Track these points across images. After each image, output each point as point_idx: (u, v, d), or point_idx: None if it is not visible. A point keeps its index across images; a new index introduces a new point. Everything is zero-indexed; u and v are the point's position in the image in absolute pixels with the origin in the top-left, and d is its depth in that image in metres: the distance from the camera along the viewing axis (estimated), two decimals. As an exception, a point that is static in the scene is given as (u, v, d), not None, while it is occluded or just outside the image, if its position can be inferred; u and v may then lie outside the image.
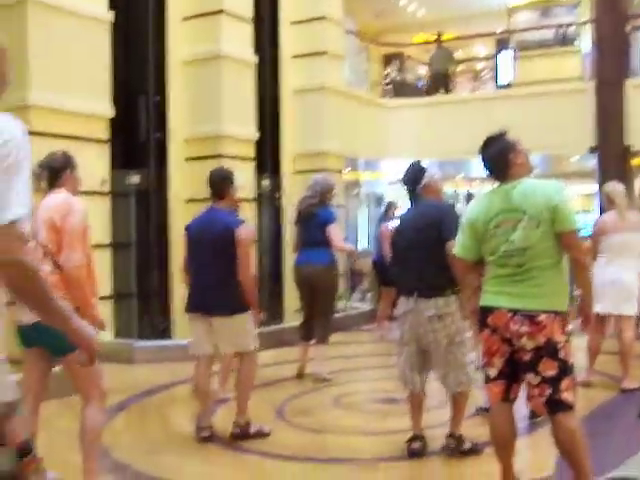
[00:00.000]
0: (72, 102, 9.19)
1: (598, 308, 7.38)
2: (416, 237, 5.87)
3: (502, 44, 18.29)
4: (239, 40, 12.27)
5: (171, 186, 11.83)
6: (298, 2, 14.51)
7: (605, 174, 13.97)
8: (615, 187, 8.11)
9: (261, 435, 6.54)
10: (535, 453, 6.18)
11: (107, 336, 9.46)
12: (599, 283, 7.24)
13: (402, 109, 17.42)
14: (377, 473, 5.74)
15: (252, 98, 12.61)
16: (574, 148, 15.96)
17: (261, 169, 13.12)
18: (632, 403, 6.92)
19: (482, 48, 22.01)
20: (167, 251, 11.42)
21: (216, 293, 6.38)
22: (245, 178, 11.19)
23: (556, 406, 4.47)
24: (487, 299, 4.70)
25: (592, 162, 15.69)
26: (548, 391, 4.46)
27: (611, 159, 14.80)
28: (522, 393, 4.71)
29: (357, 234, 17.17)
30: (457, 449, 5.85)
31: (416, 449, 5.89)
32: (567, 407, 4.47)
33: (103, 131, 9.84)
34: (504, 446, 4.78)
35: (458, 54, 21.82)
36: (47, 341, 4.85)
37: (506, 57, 17.77)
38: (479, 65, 21.71)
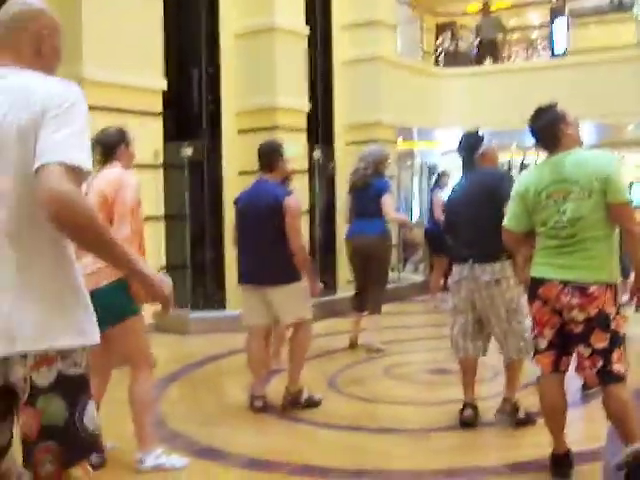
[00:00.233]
0: (125, 76, 9.27)
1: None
2: (471, 204, 5.85)
3: (556, 12, 18.00)
4: (291, 12, 12.25)
5: (224, 158, 11.89)
6: (350, -28, 14.45)
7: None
8: None
9: (312, 403, 6.59)
10: (587, 424, 6.17)
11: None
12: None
13: (455, 78, 17.29)
14: (428, 443, 5.74)
15: (304, 69, 12.59)
16: (630, 116, 15.73)
17: (313, 140, 13.12)
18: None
19: (536, 16, 21.67)
20: (220, 222, 11.50)
21: (268, 264, 6.41)
22: (297, 150, 11.21)
23: (608, 377, 4.45)
24: (538, 270, 4.68)
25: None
26: (599, 363, 4.44)
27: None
28: (573, 365, 4.70)
29: (411, 204, 17.10)
30: (512, 416, 5.85)
31: (468, 417, 5.89)
32: (619, 378, 4.45)
33: (156, 104, 9.92)
34: (554, 417, 4.77)
35: (512, 22, 21.56)
36: (97, 312, 4.92)
37: (561, 25, 17.49)
38: (533, 34, 21.40)
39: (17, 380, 2.51)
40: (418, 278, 15.07)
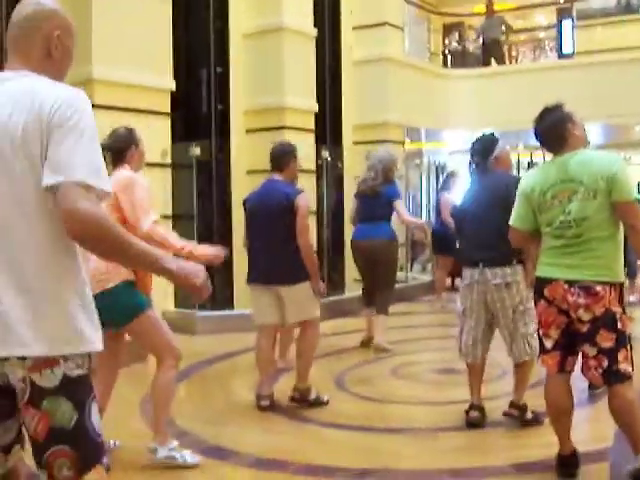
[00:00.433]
0: (134, 76, 9.29)
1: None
2: (483, 208, 5.84)
3: (564, 13, 18.00)
4: (300, 12, 12.27)
5: (232, 157, 11.92)
6: (358, -27, 14.48)
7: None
8: None
9: (319, 403, 6.64)
10: (594, 424, 6.17)
11: (169, 306, 9.65)
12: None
13: (462, 79, 17.31)
14: (435, 442, 5.76)
15: (313, 70, 12.61)
16: (638, 117, 15.69)
17: (321, 140, 13.14)
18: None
19: (543, 18, 21.65)
20: (229, 222, 11.51)
21: (278, 263, 6.45)
22: (305, 149, 11.23)
23: (613, 377, 4.46)
24: (543, 270, 4.70)
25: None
26: (605, 362, 4.45)
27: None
28: (579, 364, 4.71)
29: (419, 204, 17.09)
30: (520, 418, 5.86)
31: (474, 418, 5.91)
32: (624, 378, 4.46)
33: (165, 104, 9.93)
34: (560, 417, 4.78)
35: (519, 23, 21.55)
36: (106, 314, 4.97)
37: (568, 26, 17.49)
38: (541, 34, 21.38)
39: (16, 381, 2.53)
40: (425, 278, 15.08)
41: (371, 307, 9.12)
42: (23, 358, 2.49)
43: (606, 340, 4.43)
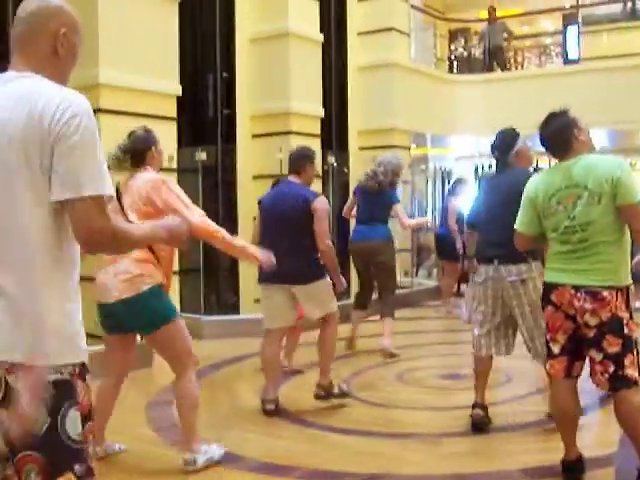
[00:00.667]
0: (141, 80, 9.30)
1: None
2: (500, 204, 5.77)
3: (570, 19, 17.99)
4: (306, 18, 12.29)
5: (238, 162, 11.94)
6: (364, -22, 14.52)
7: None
8: None
9: (344, 394, 6.82)
10: (600, 429, 6.16)
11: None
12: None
13: (468, 85, 17.30)
14: (440, 448, 5.75)
15: (319, 75, 12.64)
16: (644, 123, 15.70)
17: (327, 146, 13.15)
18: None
19: (549, 24, 21.64)
20: (234, 227, 11.52)
21: (295, 263, 6.48)
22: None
23: (619, 382, 4.45)
24: (550, 276, 4.70)
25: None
26: (611, 368, 4.44)
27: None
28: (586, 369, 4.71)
29: (425, 209, 17.10)
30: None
31: (478, 417, 5.89)
32: (631, 383, 4.44)
33: (171, 109, 9.94)
34: (565, 422, 4.78)
35: (525, 29, 21.56)
36: (131, 320, 4.99)
37: (574, 32, 17.48)
38: (547, 40, 21.37)
39: None
40: (431, 283, 15.08)
41: (361, 310, 9.17)
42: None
43: (612, 345, 4.42)
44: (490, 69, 18.32)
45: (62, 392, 2.50)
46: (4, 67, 2.69)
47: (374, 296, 9.32)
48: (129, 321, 5.03)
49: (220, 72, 11.88)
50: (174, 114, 9.94)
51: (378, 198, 8.87)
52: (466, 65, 19.77)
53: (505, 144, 6.06)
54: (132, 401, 6.02)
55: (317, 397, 6.72)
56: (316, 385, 6.75)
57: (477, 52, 19.66)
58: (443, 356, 9.17)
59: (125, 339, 5.26)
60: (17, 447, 2.45)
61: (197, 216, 5.06)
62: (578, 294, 4.48)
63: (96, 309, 5.11)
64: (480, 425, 5.90)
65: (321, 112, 12.60)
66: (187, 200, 5.10)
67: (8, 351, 2.44)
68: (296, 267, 6.48)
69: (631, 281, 4.59)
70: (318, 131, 12.51)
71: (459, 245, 11.72)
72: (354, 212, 9.44)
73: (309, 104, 12.24)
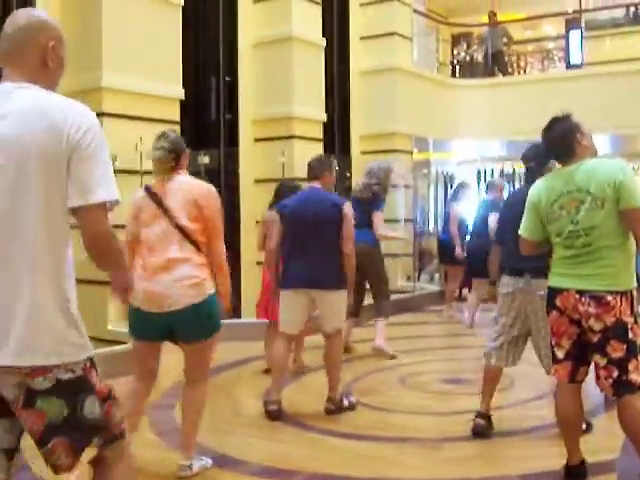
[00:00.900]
0: (143, 84, 9.31)
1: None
2: None
3: (572, 24, 17.99)
4: (309, 22, 12.32)
5: (241, 166, 11.95)
6: (367, -17, 14.54)
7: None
8: None
9: (353, 407, 6.80)
10: (603, 434, 6.14)
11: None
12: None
13: (471, 89, 17.32)
14: (441, 452, 5.73)
15: (321, 79, 12.65)
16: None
17: (330, 150, 13.15)
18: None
19: (551, 28, 21.62)
20: (237, 231, 11.53)
21: (323, 267, 6.52)
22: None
23: (623, 387, 4.44)
24: (554, 280, 4.69)
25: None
26: (615, 373, 4.43)
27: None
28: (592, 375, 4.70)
29: (427, 214, 17.08)
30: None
31: (479, 426, 5.86)
32: (634, 388, 4.43)
33: (174, 112, 9.96)
34: (569, 427, 4.77)
35: (527, 34, 21.55)
36: (190, 328, 4.92)
37: (576, 37, 17.48)
38: (549, 45, 21.36)
39: (7, 386, 2.73)
40: (433, 288, 15.06)
41: (354, 317, 9.15)
42: (19, 367, 2.70)
43: (616, 350, 4.41)
44: (491, 74, 18.31)
45: (76, 387, 2.79)
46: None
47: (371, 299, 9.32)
48: (185, 328, 4.91)
49: (223, 76, 11.90)
50: (177, 118, 9.95)
51: (366, 207, 8.93)
52: (468, 70, 19.76)
53: (540, 157, 5.98)
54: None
55: (328, 412, 6.69)
56: (326, 399, 6.73)
57: (479, 57, 19.67)
58: (445, 360, 9.16)
59: (155, 346, 5.18)
60: (43, 439, 2.76)
61: (221, 247, 5.05)
62: (582, 299, 4.47)
63: (133, 317, 5.01)
64: (480, 433, 5.89)
65: (323, 116, 12.61)
66: (220, 225, 5.05)
67: (28, 356, 2.68)
68: (323, 271, 6.52)
69: (636, 285, 4.58)
70: (320, 135, 12.53)
71: (459, 250, 11.74)
72: None
73: (311, 108, 12.25)
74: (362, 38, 14.86)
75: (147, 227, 4.95)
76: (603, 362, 4.47)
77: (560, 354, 4.69)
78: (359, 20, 14.75)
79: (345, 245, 6.57)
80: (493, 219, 10.41)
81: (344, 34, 14.34)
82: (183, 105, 10.20)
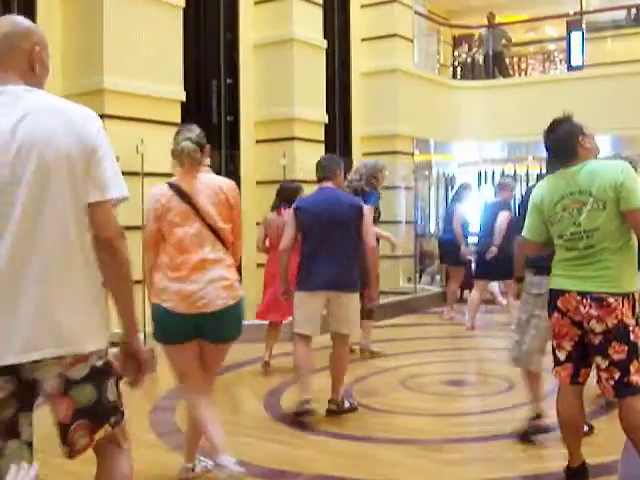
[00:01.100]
0: (145, 86, 9.33)
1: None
2: None
3: (574, 25, 17.99)
4: (310, 24, 12.33)
5: (242, 168, 11.95)
6: (368, -16, 14.55)
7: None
8: None
9: (354, 409, 6.80)
10: (605, 436, 6.14)
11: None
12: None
13: (472, 91, 17.31)
14: (441, 454, 5.73)
15: (322, 81, 12.66)
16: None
17: (331, 151, 13.12)
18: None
19: (553, 30, 21.62)
20: (238, 232, 11.53)
21: (342, 267, 6.49)
22: (315, 161, 11.27)
23: (625, 389, 4.43)
24: (556, 282, 4.68)
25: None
26: (617, 374, 4.42)
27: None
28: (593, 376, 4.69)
29: (428, 215, 17.09)
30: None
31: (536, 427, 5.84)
32: (636, 390, 4.42)
33: (175, 114, 9.97)
34: (570, 428, 4.77)
35: (528, 35, 21.55)
36: (222, 330, 4.92)
37: (577, 38, 17.48)
38: (551, 47, 21.36)
39: (50, 378, 2.84)
40: (434, 289, 15.06)
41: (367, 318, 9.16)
42: (61, 357, 2.82)
43: (618, 352, 4.40)
44: (492, 75, 18.30)
45: (105, 373, 2.97)
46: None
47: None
48: (216, 329, 4.88)
49: (224, 78, 11.91)
50: (178, 119, 9.96)
51: None
52: (470, 71, 19.77)
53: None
54: (136, 406, 6.00)
55: (329, 412, 6.69)
56: (328, 401, 6.74)
57: (480, 58, 19.69)
58: (446, 362, 9.14)
59: (191, 346, 4.96)
60: (70, 423, 2.88)
61: (241, 248, 5.16)
62: (584, 300, 4.46)
63: (163, 320, 4.84)
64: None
65: (325, 118, 12.63)
66: (241, 226, 5.10)
67: (72, 346, 2.83)
68: (342, 271, 6.49)
69: (638, 287, 4.58)
70: (322, 137, 12.54)
71: (464, 249, 11.75)
72: None
73: (313, 110, 12.26)
74: (363, 40, 14.87)
75: (179, 227, 4.85)
76: (605, 364, 4.46)
77: (561, 356, 4.68)
78: (360, 22, 14.75)
79: (367, 243, 6.58)
80: (502, 218, 10.41)
81: (345, 36, 14.34)
82: (184, 107, 10.20)
